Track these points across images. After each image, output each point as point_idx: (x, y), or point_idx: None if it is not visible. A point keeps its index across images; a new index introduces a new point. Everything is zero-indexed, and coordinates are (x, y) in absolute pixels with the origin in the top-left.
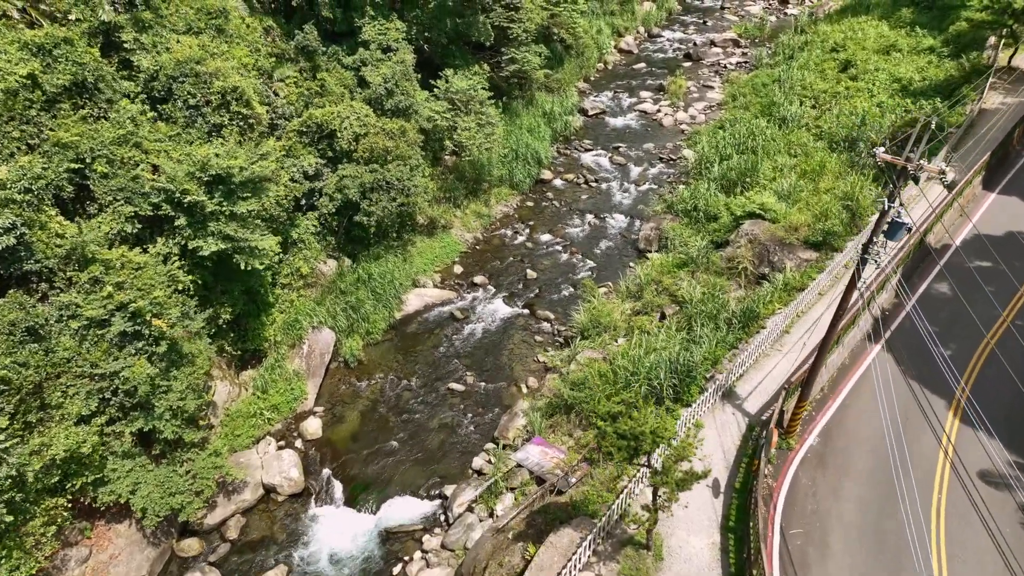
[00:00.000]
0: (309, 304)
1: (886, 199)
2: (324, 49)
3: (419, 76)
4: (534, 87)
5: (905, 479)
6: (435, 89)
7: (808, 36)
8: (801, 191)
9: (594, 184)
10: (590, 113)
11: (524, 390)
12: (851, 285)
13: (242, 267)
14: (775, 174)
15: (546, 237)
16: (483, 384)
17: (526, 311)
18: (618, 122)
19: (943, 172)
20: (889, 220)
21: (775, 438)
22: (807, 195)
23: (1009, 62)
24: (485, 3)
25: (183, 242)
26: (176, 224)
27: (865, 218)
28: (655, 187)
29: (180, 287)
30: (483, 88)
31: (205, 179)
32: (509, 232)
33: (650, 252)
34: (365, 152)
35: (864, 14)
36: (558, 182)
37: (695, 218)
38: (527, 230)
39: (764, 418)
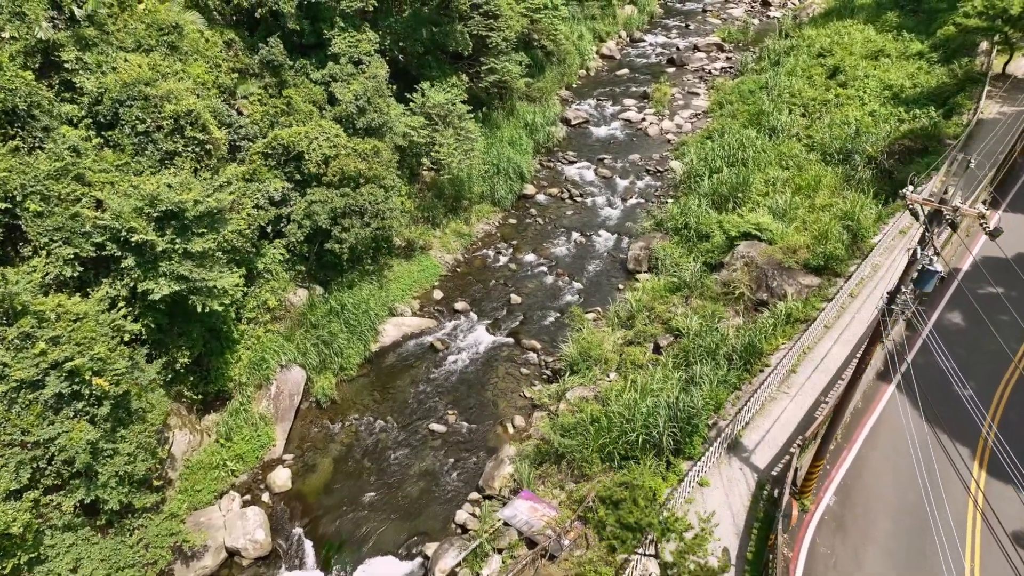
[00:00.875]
0: (277, 340)
1: (918, 246)
2: (291, 63)
3: (394, 88)
4: (515, 97)
5: (933, 544)
6: (411, 103)
7: (793, 40)
8: (797, 208)
9: (579, 199)
10: (573, 123)
11: (510, 430)
12: (874, 337)
13: (199, 309)
14: (768, 189)
15: (530, 257)
16: (466, 424)
17: (510, 340)
18: (602, 132)
19: (983, 216)
20: (919, 267)
21: (795, 511)
22: (803, 213)
23: (1003, 69)
24: (462, 11)
25: (132, 284)
26: (123, 265)
27: (867, 239)
28: (642, 201)
29: (127, 338)
30: (461, 101)
31: (155, 215)
32: (491, 252)
33: (640, 273)
34: (335, 175)
35: (849, 18)
36: (541, 197)
37: (686, 236)
38: (510, 250)
39: (774, 473)
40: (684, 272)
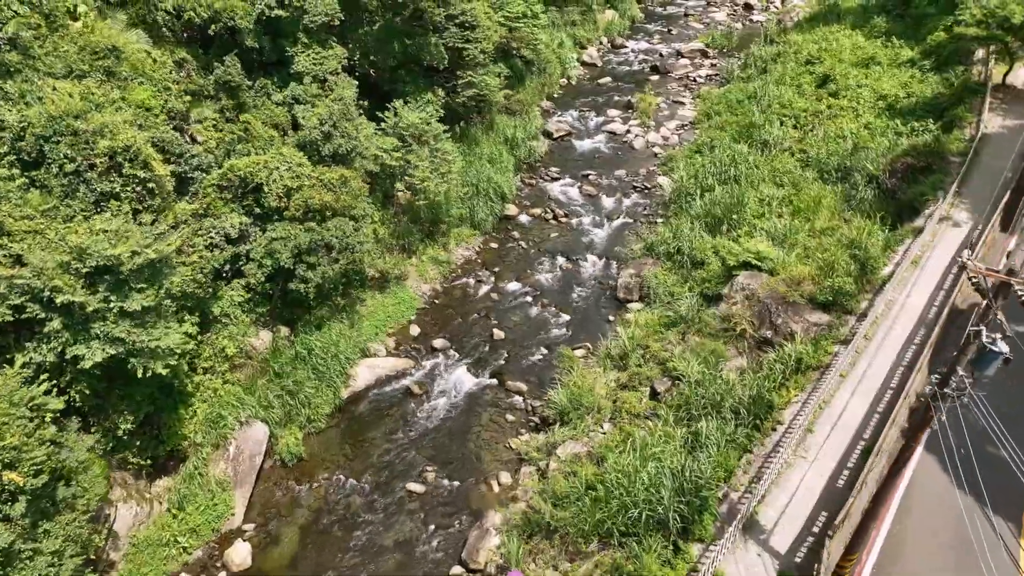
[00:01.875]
0: (237, 392)
1: (981, 326)
2: (250, 83)
3: (365, 105)
4: (494, 110)
5: None
6: (383, 122)
7: (779, 47)
8: (797, 232)
9: (564, 219)
10: (555, 136)
11: (496, 488)
12: (919, 427)
13: (140, 374)
14: (763, 209)
15: (513, 286)
16: (446, 481)
17: (494, 382)
18: (586, 145)
19: None
20: (979, 346)
21: None
22: (804, 237)
23: (1003, 80)
24: (437, 23)
25: (60, 348)
26: (47, 329)
27: (877, 271)
28: (630, 221)
29: (50, 416)
30: (437, 120)
31: (85, 270)
32: (472, 281)
33: (631, 302)
34: (299, 208)
35: (835, 23)
36: (524, 218)
37: (679, 263)
38: (492, 278)
39: (798, 559)
40: (679, 305)
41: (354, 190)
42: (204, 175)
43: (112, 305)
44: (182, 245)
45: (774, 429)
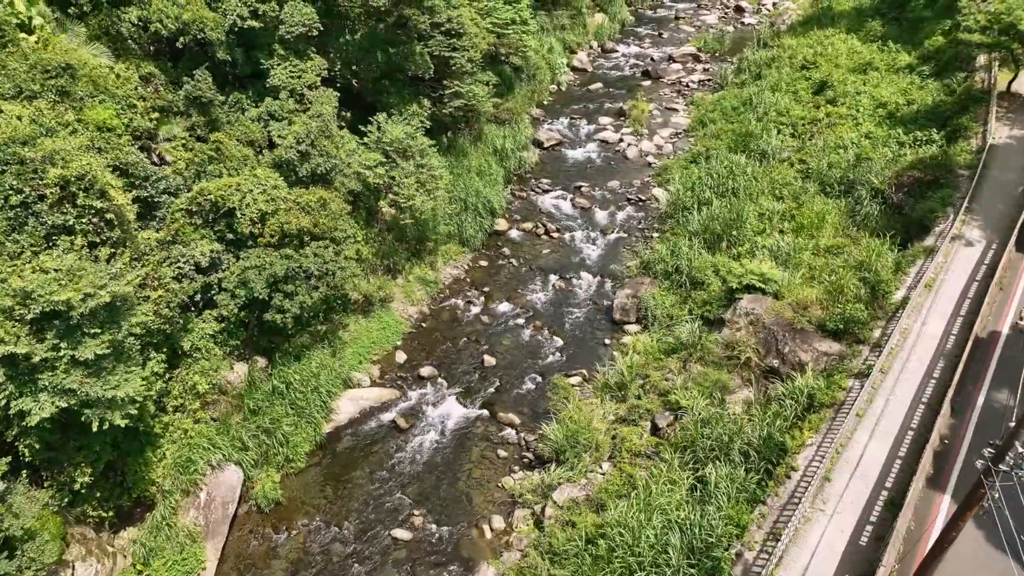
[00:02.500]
0: (209, 432)
1: None
2: (223, 99)
3: (348, 116)
4: (482, 120)
5: None
6: (366, 136)
7: (773, 51)
8: (801, 251)
9: (556, 235)
10: (546, 145)
11: (488, 534)
12: (968, 504)
13: (95, 427)
14: (764, 225)
15: (504, 307)
16: (435, 526)
17: (485, 413)
18: (578, 154)
19: None
20: None
21: None
22: (809, 257)
23: (1008, 87)
24: (421, 31)
25: (4, 401)
26: None
27: (889, 296)
28: (624, 236)
29: None
30: (424, 130)
31: (30, 316)
32: (461, 302)
33: (628, 324)
34: (274, 234)
35: (830, 26)
36: (515, 233)
37: (677, 282)
38: (481, 298)
39: None
40: (680, 330)
41: (334, 212)
42: (172, 199)
43: (62, 353)
44: (146, 279)
45: (788, 476)
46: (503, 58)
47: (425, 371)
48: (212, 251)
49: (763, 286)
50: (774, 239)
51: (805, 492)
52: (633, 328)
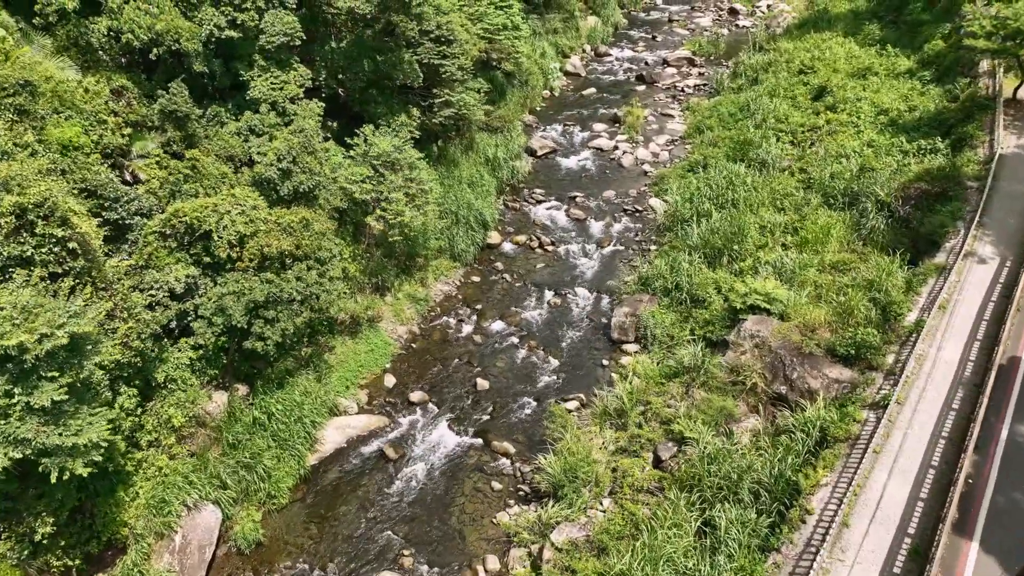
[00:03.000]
0: (185, 469)
1: None
2: (200, 112)
3: (334, 127)
4: (473, 129)
5: None
6: (352, 149)
7: (770, 55)
8: (806, 267)
9: (550, 248)
10: (539, 153)
11: (482, 575)
12: None
13: (54, 478)
14: (766, 238)
15: (498, 326)
16: (426, 568)
17: (478, 441)
18: (571, 163)
19: None
20: None
21: None
22: (814, 274)
23: (1015, 94)
24: (410, 38)
25: None
26: None
27: (901, 317)
28: (621, 249)
29: None
30: (413, 139)
31: None
32: (452, 321)
33: (626, 343)
34: (253, 257)
35: (827, 29)
36: (508, 247)
37: (677, 299)
38: (474, 316)
39: None
40: (681, 352)
41: (318, 232)
42: (145, 221)
43: (15, 400)
44: (114, 309)
45: (803, 520)
46: (495, 64)
47: (415, 396)
48: (188, 276)
49: (768, 306)
50: (777, 254)
51: (823, 540)
52: (632, 348)
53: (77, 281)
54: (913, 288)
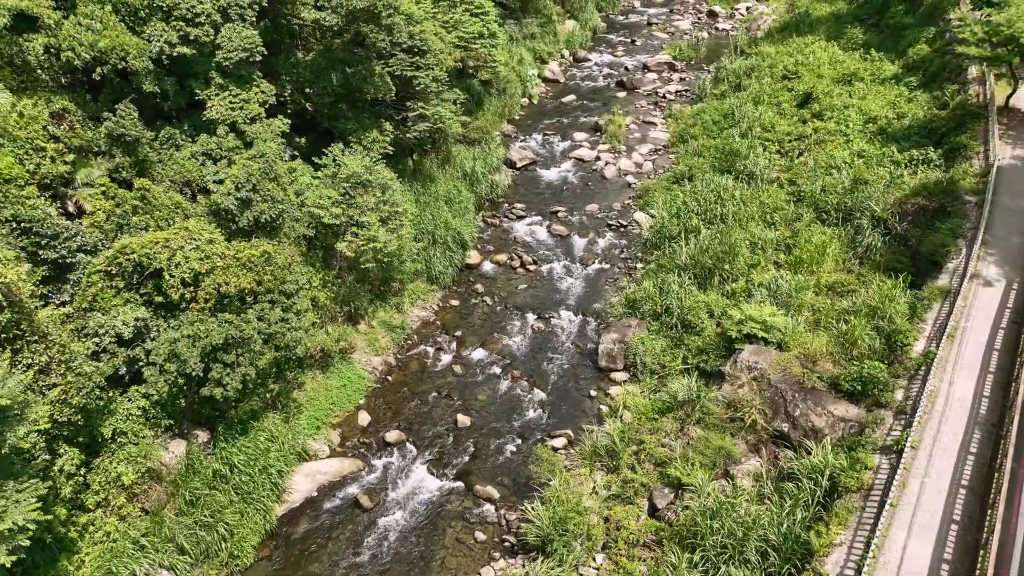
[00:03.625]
0: (137, 532)
1: None
2: (152, 135)
3: (302, 143)
4: (450, 141)
5: None
6: (321, 169)
7: (752, 59)
8: (803, 290)
9: (532, 267)
10: (519, 165)
11: None
12: None
13: None
14: (758, 257)
15: (478, 354)
16: None
17: (460, 485)
18: (552, 175)
19: None
20: None
21: None
22: (811, 297)
23: (1007, 102)
24: (381, 49)
25: None
26: None
27: (907, 347)
28: (606, 267)
29: None
30: (384, 164)
31: None
32: (430, 350)
33: (615, 372)
34: (210, 297)
35: (808, 33)
36: (488, 266)
37: (667, 324)
38: (453, 344)
39: None
40: (675, 386)
41: (282, 264)
42: (89, 259)
43: None
44: (49, 363)
45: None
46: (471, 72)
47: (391, 435)
48: (137, 319)
49: (765, 335)
50: (771, 274)
51: None
52: (620, 376)
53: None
54: (918, 314)
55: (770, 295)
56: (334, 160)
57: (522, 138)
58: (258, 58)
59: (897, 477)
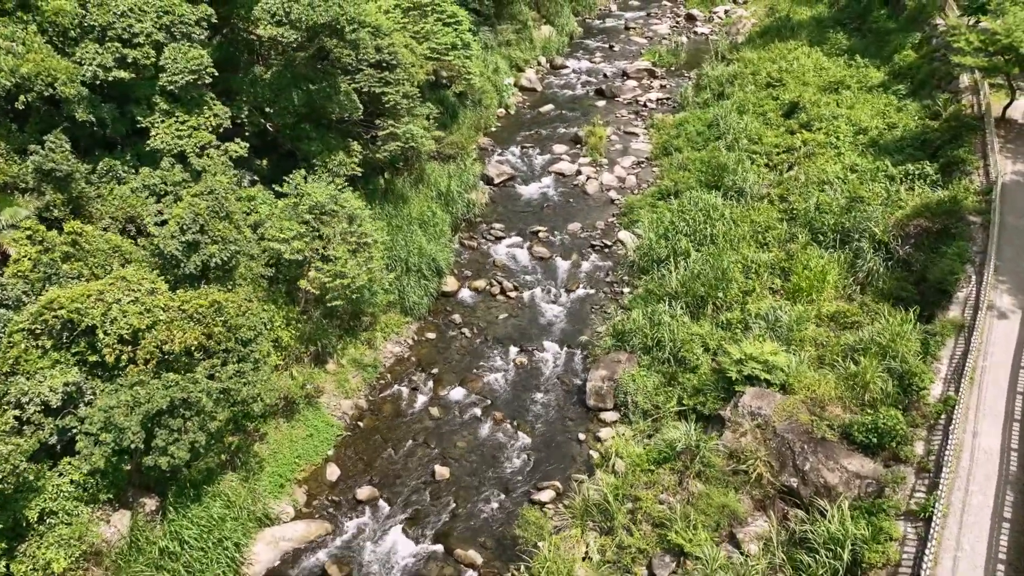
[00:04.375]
0: None
1: None
2: (89, 168)
3: (263, 165)
4: (423, 159)
5: None
6: (283, 198)
7: (734, 66)
8: (804, 322)
9: (513, 293)
10: (496, 181)
11: None
12: None
13: None
14: (752, 282)
15: (457, 394)
16: None
17: (438, 548)
18: (532, 190)
19: None
20: None
21: None
22: (813, 330)
23: (1003, 113)
24: (346, 64)
25: None
26: None
27: (924, 391)
28: (592, 292)
29: None
30: (352, 189)
31: None
32: (405, 390)
33: (604, 412)
34: (151, 356)
35: (790, 37)
36: (466, 294)
37: (659, 358)
38: (430, 383)
39: None
40: (671, 434)
41: (235, 312)
42: (10, 315)
43: None
44: None
45: None
46: (444, 83)
47: (363, 492)
48: (67, 384)
49: (768, 376)
50: (768, 302)
51: None
52: (610, 416)
53: None
54: (931, 352)
55: (769, 327)
56: (296, 188)
57: (499, 152)
58: (208, 80)
59: (928, 553)
